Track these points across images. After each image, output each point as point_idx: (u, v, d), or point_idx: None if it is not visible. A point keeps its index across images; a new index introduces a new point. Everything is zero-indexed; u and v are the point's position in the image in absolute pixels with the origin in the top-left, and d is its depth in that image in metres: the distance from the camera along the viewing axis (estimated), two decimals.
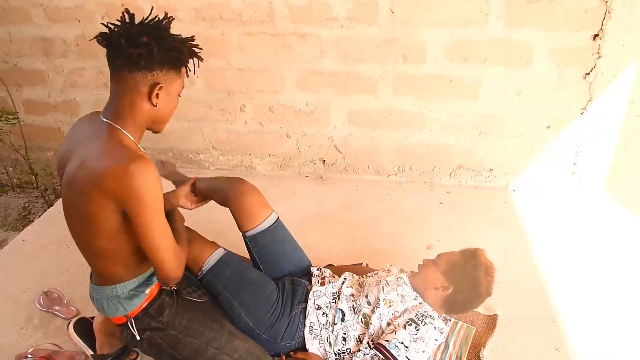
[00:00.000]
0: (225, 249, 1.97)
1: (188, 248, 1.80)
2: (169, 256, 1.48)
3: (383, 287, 1.87)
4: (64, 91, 3.45)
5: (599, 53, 2.68)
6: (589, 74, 2.75)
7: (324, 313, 1.90)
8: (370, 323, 1.81)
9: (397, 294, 1.84)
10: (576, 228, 2.76)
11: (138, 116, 1.50)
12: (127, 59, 1.42)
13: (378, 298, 1.84)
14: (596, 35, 2.64)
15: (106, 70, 3.26)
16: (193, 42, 1.54)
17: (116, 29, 1.43)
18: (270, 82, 3.12)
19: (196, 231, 2.02)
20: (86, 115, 1.65)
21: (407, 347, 1.69)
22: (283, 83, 3.11)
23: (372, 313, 1.81)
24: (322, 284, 1.99)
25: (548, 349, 2.01)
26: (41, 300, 2.25)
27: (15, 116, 3.25)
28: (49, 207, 3.17)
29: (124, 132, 1.49)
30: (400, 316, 1.79)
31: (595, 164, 2.99)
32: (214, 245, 1.98)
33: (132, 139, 1.51)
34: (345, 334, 1.85)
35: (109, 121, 1.49)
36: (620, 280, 2.36)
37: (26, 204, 3.62)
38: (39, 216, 3.08)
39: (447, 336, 2.05)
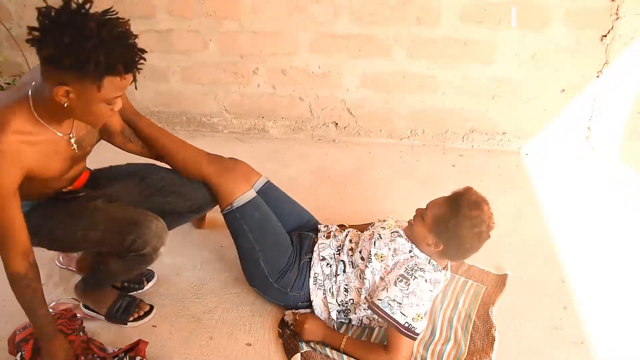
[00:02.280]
0: (256, 193, 2.01)
1: (224, 176, 1.96)
2: None
3: (375, 242, 1.86)
4: None
5: (617, 14, 2.64)
6: (606, 36, 2.71)
7: (328, 264, 1.94)
8: (365, 278, 1.82)
9: (389, 248, 1.82)
10: (588, 193, 2.76)
11: (52, 104, 1.38)
12: None
13: (370, 252, 1.84)
14: None
15: None
16: (122, 52, 1.31)
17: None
18: (284, 44, 3.11)
19: (240, 161, 2.12)
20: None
21: (400, 303, 1.68)
22: (296, 46, 3.10)
23: (365, 268, 1.83)
24: (328, 237, 2.04)
25: (556, 307, 2.04)
26: (60, 259, 2.30)
27: None
28: None
29: (32, 109, 1.42)
30: (391, 271, 1.79)
31: (609, 129, 2.97)
32: (248, 184, 2.02)
33: (36, 114, 1.42)
34: (347, 285, 1.89)
35: (30, 90, 1.43)
36: (630, 243, 2.38)
37: None
38: None
39: (457, 294, 2.09)
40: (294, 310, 1.99)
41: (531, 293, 2.11)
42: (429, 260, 1.81)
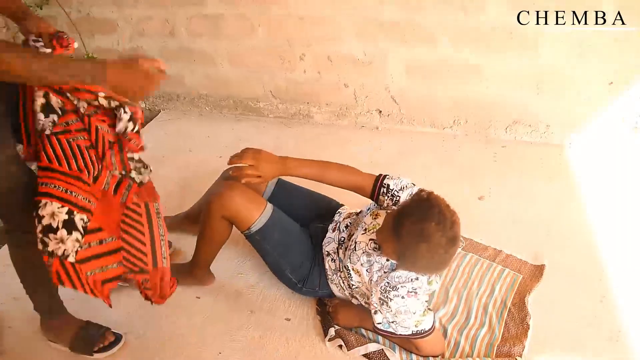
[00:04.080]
0: (272, 205, 1.93)
1: (235, 202, 1.83)
2: None
3: (350, 256, 1.79)
4: (132, 39, 3.56)
5: None
6: None
7: (332, 259, 1.93)
8: (354, 286, 1.83)
9: (362, 264, 1.75)
10: (633, 188, 2.69)
11: None
12: None
13: (347, 267, 1.81)
14: None
15: (172, 19, 3.34)
16: None
17: None
18: (330, 31, 3.13)
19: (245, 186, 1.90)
20: None
21: (395, 322, 1.67)
22: (342, 32, 3.11)
23: (349, 279, 1.83)
24: (334, 230, 2.00)
25: (592, 300, 2.02)
26: None
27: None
28: None
29: None
30: (371, 288, 1.72)
31: None
32: (262, 202, 1.91)
33: None
34: (350, 281, 1.87)
35: None
36: None
37: None
38: None
39: (494, 282, 2.11)
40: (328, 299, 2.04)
41: (568, 285, 2.10)
42: (398, 276, 1.67)
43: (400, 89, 3.23)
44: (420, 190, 1.64)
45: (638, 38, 2.66)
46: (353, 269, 1.78)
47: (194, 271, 2.12)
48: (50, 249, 1.41)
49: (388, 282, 1.64)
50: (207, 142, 3.34)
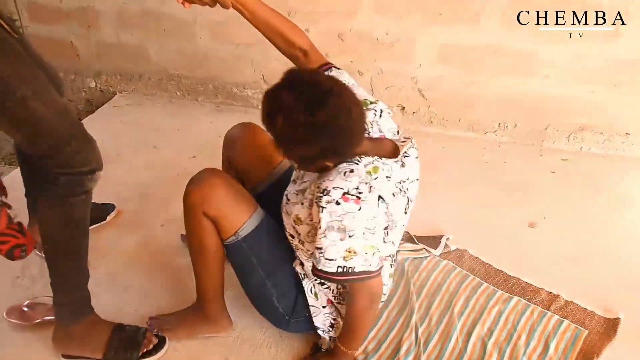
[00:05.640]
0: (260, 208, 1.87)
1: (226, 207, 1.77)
2: None
3: (286, 209, 1.75)
4: None
5: None
6: None
7: (300, 263, 1.87)
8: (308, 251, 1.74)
9: (296, 204, 1.69)
10: None
11: None
12: None
13: (292, 225, 1.73)
14: None
15: None
16: None
17: None
18: (343, 1, 3.09)
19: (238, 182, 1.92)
20: None
21: (320, 248, 1.55)
22: (358, 3, 3.07)
23: (301, 244, 1.75)
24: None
25: None
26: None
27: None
28: None
29: None
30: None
31: None
32: (252, 201, 1.85)
33: None
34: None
35: None
36: None
37: None
38: None
39: (548, 337, 2.01)
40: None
41: None
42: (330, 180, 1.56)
43: (430, 80, 3.18)
44: None
45: None
46: (295, 220, 1.69)
47: (205, 308, 2.00)
48: None
49: (318, 186, 1.54)
50: (176, 137, 3.30)
